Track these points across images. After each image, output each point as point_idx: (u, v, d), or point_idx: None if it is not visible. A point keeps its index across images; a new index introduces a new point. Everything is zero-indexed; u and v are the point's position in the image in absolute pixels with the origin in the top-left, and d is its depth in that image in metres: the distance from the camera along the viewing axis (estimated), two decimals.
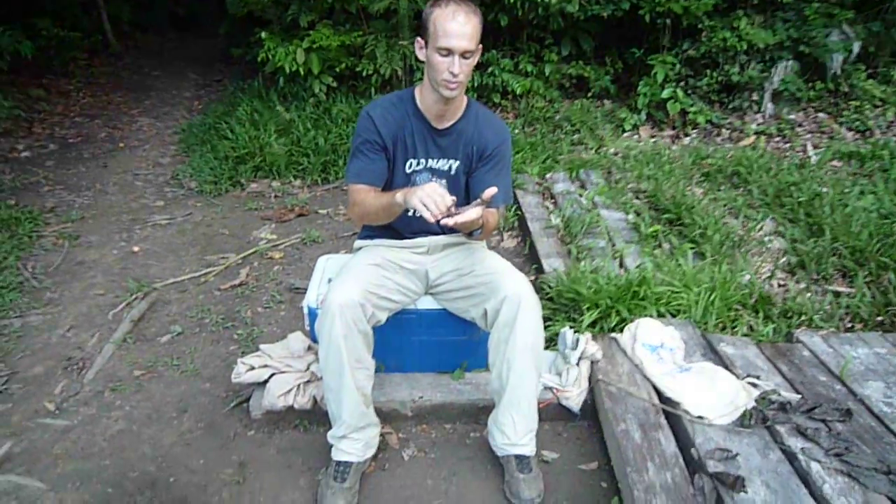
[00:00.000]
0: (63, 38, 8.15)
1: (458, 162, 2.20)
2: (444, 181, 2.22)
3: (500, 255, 2.30)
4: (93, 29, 9.47)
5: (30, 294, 3.38)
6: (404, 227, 2.29)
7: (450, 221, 1.77)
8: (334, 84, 5.99)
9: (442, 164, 2.20)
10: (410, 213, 2.23)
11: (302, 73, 5.70)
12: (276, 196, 4.77)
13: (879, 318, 2.98)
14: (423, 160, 2.18)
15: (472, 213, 1.80)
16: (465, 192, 2.24)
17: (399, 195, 1.90)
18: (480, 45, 2.02)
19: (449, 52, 1.93)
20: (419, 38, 2.04)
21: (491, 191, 1.79)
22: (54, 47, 8.18)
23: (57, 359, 2.87)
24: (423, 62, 2.05)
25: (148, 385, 2.70)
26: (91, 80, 8.38)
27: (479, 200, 1.81)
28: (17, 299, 3.30)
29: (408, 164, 2.18)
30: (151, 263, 3.74)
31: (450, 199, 1.76)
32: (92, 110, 7.16)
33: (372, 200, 2.06)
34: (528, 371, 2.06)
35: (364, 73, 5.88)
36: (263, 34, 5.80)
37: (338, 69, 5.93)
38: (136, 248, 3.91)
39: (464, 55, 1.94)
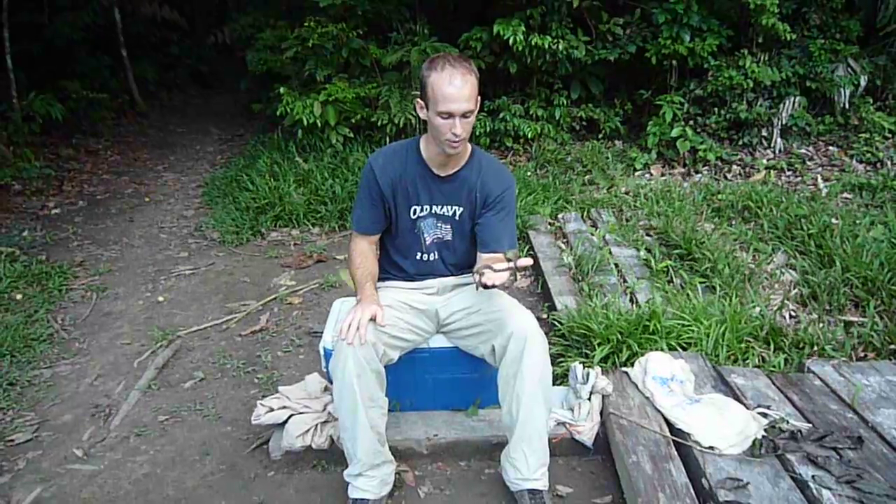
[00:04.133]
0: (92, 99, 8.46)
1: (461, 208, 2.29)
2: (448, 226, 2.32)
3: (507, 294, 2.37)
4: (120, 90, 9.85)
5: (59, 345, 3.50)
6: (415, 269, 2.39)
7: (487, 282, 1.95)
8: (351, 134, 6.18)
9: (446, 210, 2.29)
10: (418, 258, 2.34)
11: (319, 125, 5.91)
12: (295, 244, 4.90)
13: (892, 347, 2.97)
14: (426, 206, 2.28)
15: (505, 275, 1.97)
16: (470, 237, 2.34)
17: (359, 296, 2.22)
18: (479, 97, 2.11)
19: (450, 115, 2.02)
20: (419, 100, 2.13)
21: (525, 261, 1.98)
22: (83, 109, 8.48)
23: (85, 406, 2.97)
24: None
25: (172, 430, 2.78)
26: (119, 138, 8.69)
27: (512, 264, 1.99)
28: (47, 350, 3.43)
29: (412, 210, 2.28)
30: (176, 312, 3.86)
31: (364, 326, 2.04)
32: (119, 167, 7.42)
33: (354, 270, 2.33)
34: (537, 406, 2.11)
35: (379, 123, 6.06)
36: (282, 89, 6.04)
37: (354, 120, 6.13)
38: (160, 298, 4.04)
39: (464, 115, 2.04)
